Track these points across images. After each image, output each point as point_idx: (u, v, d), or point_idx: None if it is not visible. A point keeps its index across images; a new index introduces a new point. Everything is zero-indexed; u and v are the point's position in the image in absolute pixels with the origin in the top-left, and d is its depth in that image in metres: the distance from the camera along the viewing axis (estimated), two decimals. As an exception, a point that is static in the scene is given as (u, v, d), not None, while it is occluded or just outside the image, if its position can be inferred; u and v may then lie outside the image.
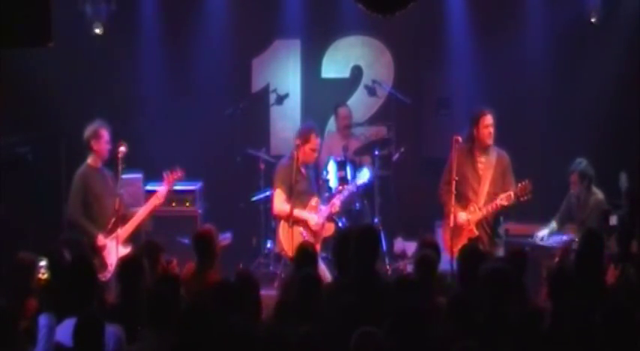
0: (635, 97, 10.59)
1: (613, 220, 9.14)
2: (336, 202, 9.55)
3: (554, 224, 9.63)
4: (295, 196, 9.21)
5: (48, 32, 7.51)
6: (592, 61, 11.24)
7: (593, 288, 6.61)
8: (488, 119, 8.94)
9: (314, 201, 9.41)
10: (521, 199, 8.82)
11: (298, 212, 9.25)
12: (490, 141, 8.98)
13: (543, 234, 9.57)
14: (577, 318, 5.67)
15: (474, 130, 8.96)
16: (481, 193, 8.98)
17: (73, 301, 6.10)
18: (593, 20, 11.07)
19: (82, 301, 6.12)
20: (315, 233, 9.34)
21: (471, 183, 8.98)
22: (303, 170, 9.38)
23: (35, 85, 10.53)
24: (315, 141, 9.39)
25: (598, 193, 9.52)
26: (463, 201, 8.94)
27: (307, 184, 9.45)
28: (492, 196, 8.93)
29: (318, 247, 9.04)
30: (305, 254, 7.16)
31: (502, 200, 8.82)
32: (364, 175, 9.83)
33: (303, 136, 9.38)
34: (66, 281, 6.34)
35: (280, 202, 9.29)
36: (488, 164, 9.01)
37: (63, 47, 8.44)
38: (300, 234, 9.22)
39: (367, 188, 10.31)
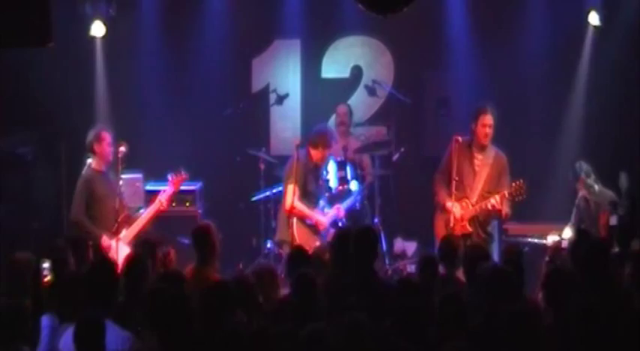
0: (635, 98, 10.60)
1: (613, 220, 9.14)
2: (341, 208, 9.72)
3: (569, 231, 9.49)
4: (307, 196, 9.28)
5: (48, 32, 7.52)
6: (592, 62, 11.23)
7: (597, 287, 6.58)
8: (488, 119, 8.95)
9: (321, 203, 9.53)
10: (516, 198, 8.81)
11: (316, 216, 9.40)
12: (486, 141, 8.98)
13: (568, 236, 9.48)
14: (577, 317, 5.63)
15: (473, 125, 9.01)
16: (475, 189, 9.01)
17: (91, 303, 5.94)
18: (593, 21, 11.08)
19: (103, 302, 5.95)
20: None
21: (466, 177, 9.00)
22: (317, 170, 9.48)
23: (35, 85, 10.52)
24: (334, 147, 9.58)
25: (595, 186, 9.51)
26: (457, 194, 8.95)
27: (317, 186, 9.54)
28: (486, 194, 8.96)
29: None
30: (299, 256, 7.17)
31: (495, 200, 8.82)
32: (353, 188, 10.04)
33: (326, 141, 9.48)
34: (86, 282, 6.16)
35: (296, 199, 9.30)
36: (485, 161, 9.03)
37: (63, 47, 8.45)
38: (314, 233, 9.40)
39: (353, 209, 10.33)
